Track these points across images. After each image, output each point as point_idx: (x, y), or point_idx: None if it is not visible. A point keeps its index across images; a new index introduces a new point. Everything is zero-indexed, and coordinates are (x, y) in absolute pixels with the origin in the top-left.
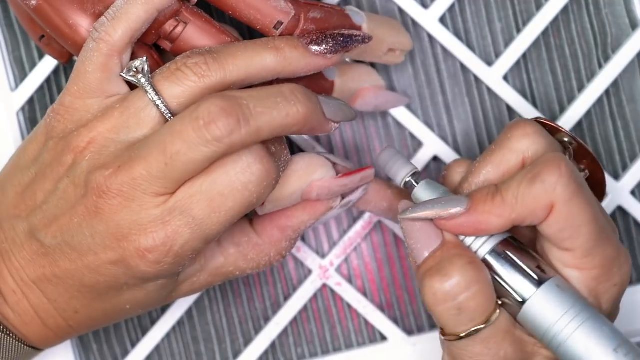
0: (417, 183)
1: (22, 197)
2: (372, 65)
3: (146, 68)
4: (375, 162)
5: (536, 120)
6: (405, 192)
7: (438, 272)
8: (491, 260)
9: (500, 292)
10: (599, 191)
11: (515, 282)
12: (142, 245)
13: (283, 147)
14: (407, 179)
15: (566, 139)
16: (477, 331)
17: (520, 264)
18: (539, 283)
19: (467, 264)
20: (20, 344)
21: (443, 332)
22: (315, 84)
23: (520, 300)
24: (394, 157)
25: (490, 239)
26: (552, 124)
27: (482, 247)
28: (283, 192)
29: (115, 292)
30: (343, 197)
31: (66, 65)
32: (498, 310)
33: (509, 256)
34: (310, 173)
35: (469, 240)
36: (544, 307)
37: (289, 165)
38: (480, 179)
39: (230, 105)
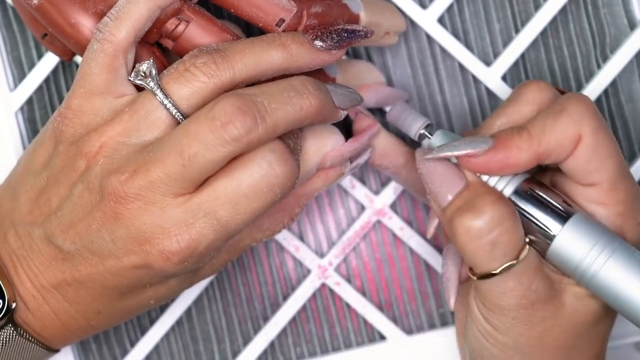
0: (431, 135)
1: (36, 202)
2: (369, 59)
3: (154, 71)
4: (387, 117)
5: None
6: None
7: (469, 210)
8: (516, 199)
9: (527, 230)
10: None
11: (543, 218)
12: (166, 249)
13: (297, 135)
14: (422, 131)
15: None
16: (509, 267)
17: (547, 199)
18: (565, 218)
19: (497, 200)
20: (40, 347)
21: (474, 272)
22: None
23: (549, 236)
24: (406, 110)
25: (512, 179)
26: (559, 88)
27: (506, 187)
28: (300, 172)
29: (138, 291)
30: (351, 161)
31: (69, 63)
32: (527, 247)
33: (535, 193)
34: (321, 148)
35: (491, 182)
36: (572, 241)
37: None
38: (493, 130)
39: (245, 104)
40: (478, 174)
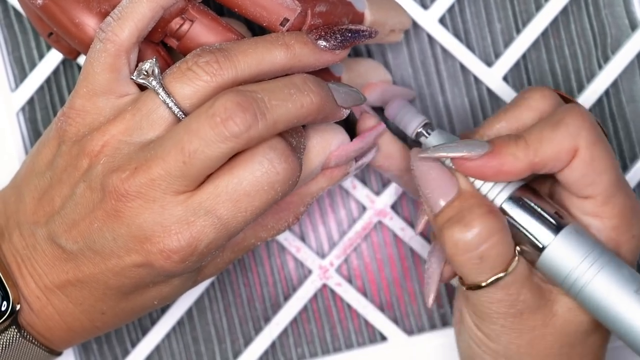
0: (429, 134)
1: (39, 202)
2: (370, 55)
3: (156, 70)
4: (384, 114)
5: None
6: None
7: (458, 222)
8: (509, 208)
9: (518, 239)
10: None
11: (534, 229)
12: (166, 247)
13: (300, 134)
14: (419, 130)
15: None
16: (498, 279)
17: (539, 210)
18: (557, 229)
19: (487, 213)
20: (43, 350)
21: (463, 282)
22: (323, 80)
23: (540, 246)
24: (404, 108)
25: (506, 186)
26: (564, 95)
27: (499, 195)
28: (304, 171)
29: (141, 291)
30: (356, 160)
31: (70, 62)
32: (517, 258)
33: (527, 203)
34: (326, 147)
35: (484, 189)
36: (563, 253)
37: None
38: (492, 132)
39: (245, 100)
40: (472, 180)
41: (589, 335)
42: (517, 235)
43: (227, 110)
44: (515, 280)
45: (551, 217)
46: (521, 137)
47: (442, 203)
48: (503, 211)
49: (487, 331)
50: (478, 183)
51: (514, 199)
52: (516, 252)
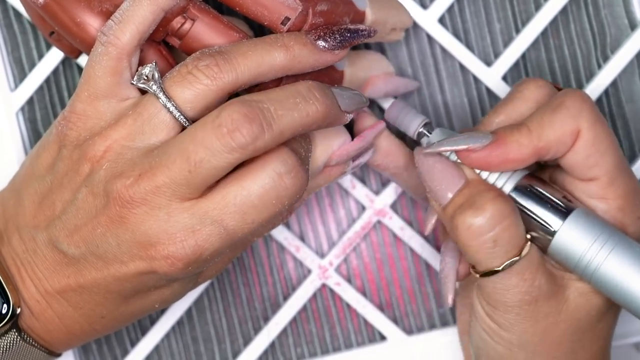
0: (431, 133)
1: (39, 206)
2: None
3: (156, 74)
4: (385, 117)
5: None
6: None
7: (470, 207)
8: (517, 196)
9: (528, 226)
10: None
11: (543, 214)
12: (171, 254)
13: (307, 140)
14: (420, 129)
15: None
16: (512, 264)
17: (547, 195)
18: (566, 213)
19: (498, 197)
20: (42, 352)
21: (477, 270)
22: (325, 74)
23: (551, 231)
24: (404, 109)
25: (512, 176)
26: (558, 86)
27: (505, 185)
28: None
29: (142, 295)
30: (353, 160)
31: (70, 62)
32: (529, 243)
33: (535, 190)
34: (328, 147)
35: (490, 180)
36: (574, 235)
37: None
38: (492, 127)
39: (252, 111)
40: (477, 171)
41: (599, 320)
42: (527, 223)
43: (233, 121)
44: (529, 265)
45: (559, 201)
46: (523, 124)
47: (450, 195)
48: (511, 199)
49: (501, 321)
50: (483, 175)
51: (520, 187)
52: (527, 238)
